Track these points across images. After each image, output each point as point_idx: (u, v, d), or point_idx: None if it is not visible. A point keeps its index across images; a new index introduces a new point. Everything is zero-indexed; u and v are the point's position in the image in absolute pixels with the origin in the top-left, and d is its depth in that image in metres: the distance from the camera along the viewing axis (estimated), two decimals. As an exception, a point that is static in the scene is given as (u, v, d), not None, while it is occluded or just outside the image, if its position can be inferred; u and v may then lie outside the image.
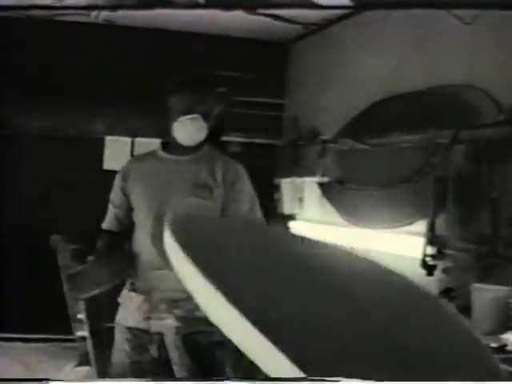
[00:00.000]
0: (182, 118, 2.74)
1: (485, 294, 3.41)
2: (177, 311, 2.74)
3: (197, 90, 2.80)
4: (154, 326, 2.78)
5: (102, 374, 4.11)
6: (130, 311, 2.83)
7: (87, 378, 4.65)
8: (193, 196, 2.75)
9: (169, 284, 2.64)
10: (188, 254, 1.20)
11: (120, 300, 2.90)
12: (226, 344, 2.73)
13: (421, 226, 4.25)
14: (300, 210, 6.00)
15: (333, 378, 0.97)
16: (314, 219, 5.76)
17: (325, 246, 1.45)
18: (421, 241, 4.14)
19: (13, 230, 5.96)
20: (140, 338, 2.78)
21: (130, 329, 2.81)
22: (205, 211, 2.72)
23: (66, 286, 4.55)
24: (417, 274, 3.87)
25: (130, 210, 2.88)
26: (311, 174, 5.69)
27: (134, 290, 2.85)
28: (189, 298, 2.84)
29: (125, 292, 2.88)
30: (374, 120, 5.00)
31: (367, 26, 5.15)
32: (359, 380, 0.97)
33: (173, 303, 2.74)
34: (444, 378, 1.07)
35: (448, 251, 4.06)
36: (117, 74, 6.14)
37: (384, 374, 1.01)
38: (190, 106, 2.74)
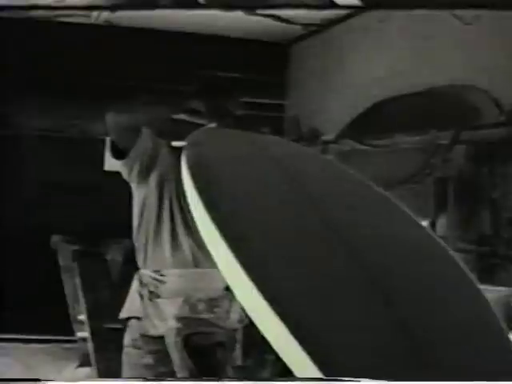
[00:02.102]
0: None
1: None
2: (216, 310, 2.71)
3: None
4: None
5: (103, 375, 4.11)
6: (159, 319, 2.72)
7: (88, 379, 4.65)
8: None
9: (207, 283, 2.64)
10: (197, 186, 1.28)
11: (137, 314, 2.75)
12: (226, 345, 2.74)
13: (421, 226, 4.24)
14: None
15: (348, 378, 0.98)
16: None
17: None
18: (421, 242, 4.13)
19: (13, 230, 5.95)
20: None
21: (158, 338, 2.72)
22: None
23: None
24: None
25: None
26: (312, 174, 5.67)
27: (158, 296, 2.74)
28: (227, 295, 2.79)
29: (145, 304, 2.74)
30: (374, 121, 4.99)
31: (367, 26, 5.15)
32: (374, 380, 0.98)
33: (212, 302, 2.71)
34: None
35: (449, 252, 4.06)
36: (117, 75, 6.14)
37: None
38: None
